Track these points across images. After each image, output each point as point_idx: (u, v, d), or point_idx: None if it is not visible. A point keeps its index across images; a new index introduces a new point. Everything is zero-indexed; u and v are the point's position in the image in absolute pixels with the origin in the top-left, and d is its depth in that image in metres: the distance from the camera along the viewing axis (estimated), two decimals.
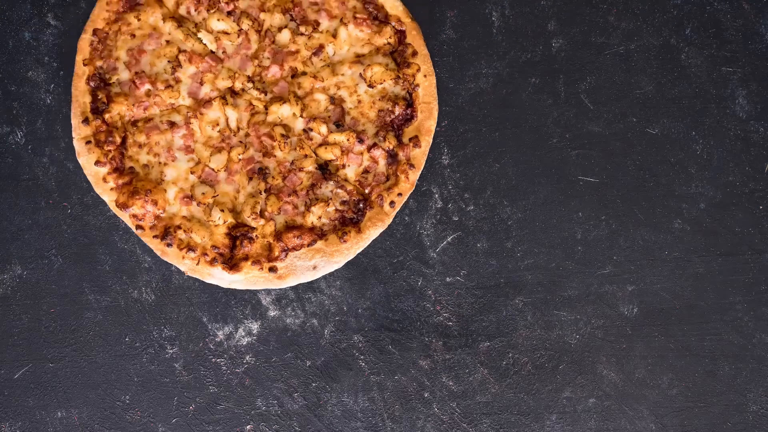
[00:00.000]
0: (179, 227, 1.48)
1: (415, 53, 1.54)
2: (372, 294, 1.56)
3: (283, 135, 1.51)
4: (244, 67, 1.55)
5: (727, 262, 1.57)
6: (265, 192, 1.51)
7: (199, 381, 1.55)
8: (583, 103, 1.60)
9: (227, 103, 1.52)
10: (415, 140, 1.53)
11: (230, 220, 1.49)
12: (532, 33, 1.61)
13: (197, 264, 1.48)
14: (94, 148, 1.49)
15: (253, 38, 1.55)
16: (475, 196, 1.58)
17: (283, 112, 1.52)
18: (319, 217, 1.50)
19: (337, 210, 1.51)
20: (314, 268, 1.48)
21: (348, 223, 1.50)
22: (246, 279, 1.48)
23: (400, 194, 1.51)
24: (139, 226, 1.48)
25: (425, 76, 1.54)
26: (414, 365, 1.55)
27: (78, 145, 1.50)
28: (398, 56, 1.55)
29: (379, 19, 1.55)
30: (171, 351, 1.55)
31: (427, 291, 1.56)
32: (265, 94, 1.53)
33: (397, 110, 1.53)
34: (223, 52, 1.55)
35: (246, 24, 1.54)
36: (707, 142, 1.59)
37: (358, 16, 1.54)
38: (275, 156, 1.52)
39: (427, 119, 1.54)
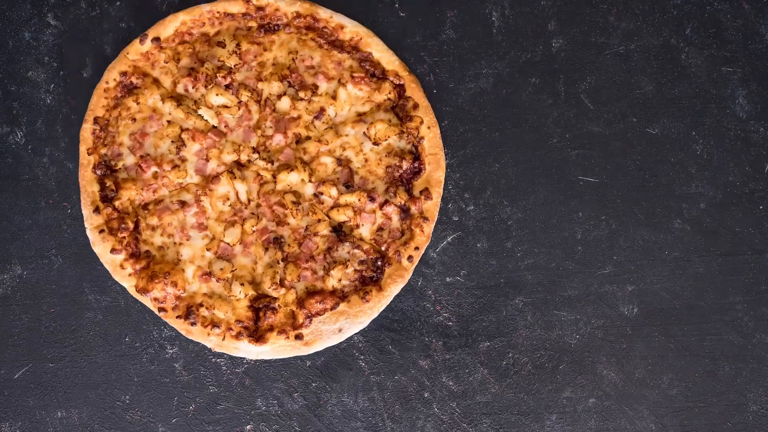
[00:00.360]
0: (201, 305, 1.48)
1: (416, 106, 1.54)
2: None
3: (294, 202, 1.51)
4: (248, 139, 1.55)
5: (727, 262, 1.57)
6: (282, 261, 1.51)
7: (199, 381, 1.55)
8: (583, 103, 1.60)
9: (235, 177, 1.52)
10: (426, 192, 1.52)
11: (251, 292, 1.49)
12: (532, 33, 1.61)
13: (223, 339, 1.48)
14: (108, 236, 1.49)
15: (253, 109, 1.55)
16: (475, 196, 1.58)
17: (292, 179, 1.52)
18: (339, 280, 1.49)
19: (356, 270, 1.50)
20: (340, 330, 1.48)
21: (368, 282, 1.50)
22: (273, 349, 1.48)
23: (417, 248, 1.51)
24: (161, 309, 1.48)
25: (429, 127, 1.54)
26: (414, 365, 1.55)
27: (92, 234, 1.50)
28: (400, 111, 1.55)
29: (377, 75, 1.55)
30: (171, 351, 1.55)
31: (427, 291, 1.56)
32: (272, 164, 1.53)
33: (405, 165, 1.53)
34: (225, 126, 1.55)
35: (245, 95, 1.54)
36: (707, 142, 1.59)
37: (355, 75, 1.54)
38: (288, 224, 1.52)
39: (435, 170, 1.54)
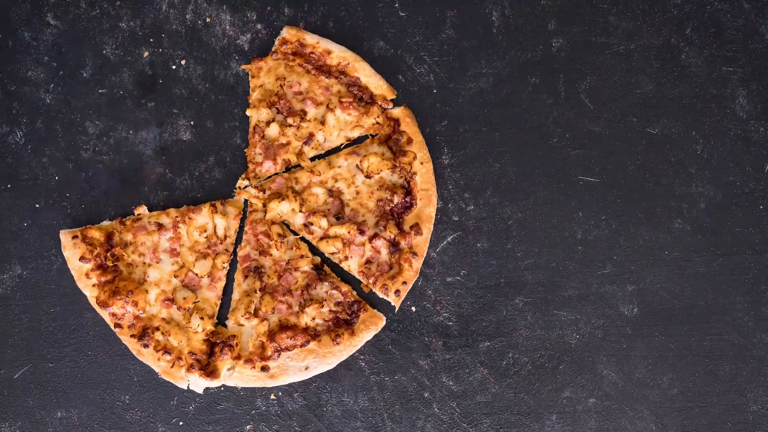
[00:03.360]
0: (157, 329, 1.47)
1: (410, 141, 1.54)
2: (372, 293, 1.56)
3: (279, 234, 1.52)
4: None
5: (727, 262, 1.56)
6: (260, 290, 1.51)
7: None
8: (583, 102, 1.59)
9: (216, 211, 1.52)
10: (416, 228, 1.52)
11: (209, 327, 1.49)
12: (532, 33, 1.61)
13: (171, 367, 1.47)
14: (80, 243, 1.49)
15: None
16: (475, 196, 1.58)
17: (283, 209, 1.52)
18: (313, 318, 1.50)
19: (331, 311, 1.50)
20: (306, 368, 1.48)
21: (342, 324, 1.50)
22: (237, 377, 1.48)
23: (404, 282, 1.51)
24: (117, 325, 1.47)
25: (422, 163, 1.54)
26: (414, 365, 1.55)
27: (64, 238, 1.50)
28: (393, 145, 1.54)
29: (365, 100, 1.55)
30: None
31: (427, 291, 1.56)
32: (264, 192, 1.53)
33: (396, 199, 1.53)
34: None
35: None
36: (707, 142, 1.59)
37: (343, 100, 1.54)
38: (271, 255, 1.52)
39: (427, 206, 1.53)
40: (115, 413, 1.54)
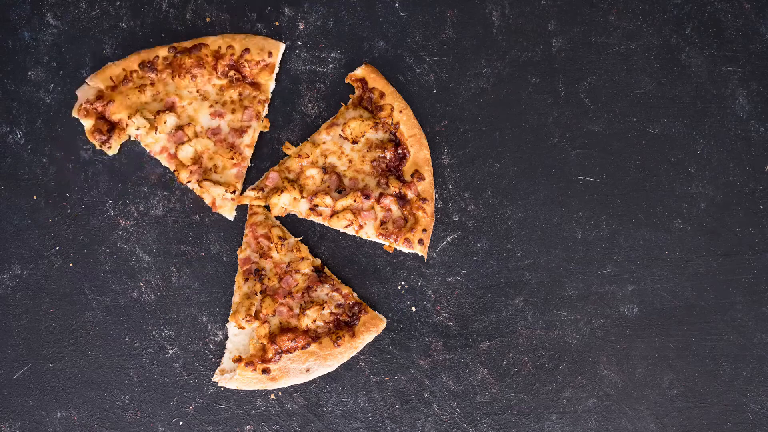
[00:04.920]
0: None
1: (382, 95, 1.54)
2: (372, 294, 1.56)
3: (279, 237, 1.52)
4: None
5: (727, 262, 1.56)
6: (261, 293, 1.51)
7: (199, 381, 1.55)
8: (583, 102, 1.59)
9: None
10: (417, 174, 1.52)
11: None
12: (532, 33, 1.61)
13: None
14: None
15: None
16: (475, 196, 1.58)
17: (284, 200, 1.52)
18: (314, 320, 1.50)
19: (332, 313, 1.51)
20: (307, 370, 1.48)
21: (342, 326, 1.50)
22: (238, 379, 1.48)
23: (425, 230, 1.51)
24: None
25: (400, 111, 1.54)
26: (414, 365, 1.55)
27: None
28: (368, 104, 1.55)
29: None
30: (171, 351, 1.55)
31: (427, 291, 1.56)
32: (262, 191, 1.53)
33: (388, 154, 1.53)
34: None
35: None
36: (707, 142, 1.59)
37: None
38: (272, 257, 1.52)
39: (420, 150, 1.53)
40: (115, 413, 1.54)
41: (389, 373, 1.55)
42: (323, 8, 1.61)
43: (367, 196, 1.51)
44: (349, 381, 1.55)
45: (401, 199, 1.52)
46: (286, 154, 1.56)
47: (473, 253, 1.57)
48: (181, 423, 1.54)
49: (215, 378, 1.50)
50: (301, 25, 1.60)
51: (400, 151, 1.53)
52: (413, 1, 1.61)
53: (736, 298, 1.56)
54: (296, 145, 1.57)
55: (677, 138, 1.59)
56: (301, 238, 1.55)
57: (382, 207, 1.52)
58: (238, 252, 1.54)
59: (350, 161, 1.54)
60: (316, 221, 1.54)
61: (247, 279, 1.52)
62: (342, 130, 1.53)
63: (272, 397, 1.54)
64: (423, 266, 1.56)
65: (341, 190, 1.53)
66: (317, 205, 1.52)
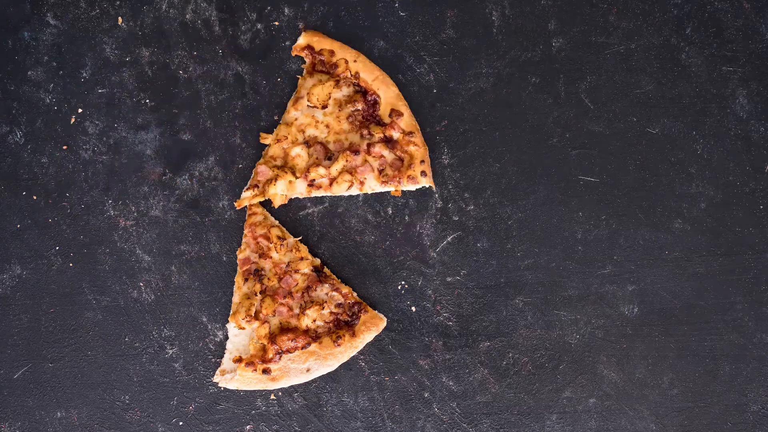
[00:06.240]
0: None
1: (332, 53, 1.55)
2: (372, 293, 1.56)
3: (279, 237, 1.52)
4: None
5: (727, 262, 1.56)
6: (260, 293, 1.51)
7: (199, 381, 1.55)
8: (583, 102, 1.59)
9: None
10: (395, 112, 1.53)
11: None
12: (533, 32, 1.61)
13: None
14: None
15: None
16: (475, 196, 1.58)
17: (280, 188, 1.52)
18: (314, 320, 1.50)
19: (332, 313, 1.51)
20: (308, 370, 1.49)
21: (342, 326, 1.51)
22: (239, 379, 1.48)
23: (422, 161, 1.52)
24: None
25: (355, 60, 1.55)
26: (414, 365, 1.55)
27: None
28: (321, 66, 1.55)
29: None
30: (171, 351, 1.55)
31: (427, 291, 1.56)
32: (257, 187, 1.53)
33: (360, 105, 1.54)
34: None
35: None
36: (707, 142, 1.58)
37: None
38: (271, 257, 1.52)
39: (388, 89, 1.55)
40: (115, 413, 1.54)
41: (389, 373, 1.55)
42: (323, 8, 1.60)
43: (356, 152, 1.52)
44: (349, 381, 1.55)
45: (389, 141, 1.53)
46: (266, 145, 1.56)
47: (473, 253, 1.57)
48: (181, 423, 1.54)
49: (216, 379, 1.50)
50: (301, 25, 1.60)
51: (369, 97, 1.54)
52: (413, 1, 1.61)
53: (736, 298, 1.56)
54: (271, 132, 1.57)
55: (677, 138, 1.59)
56: (300, 238, 1.55)
57: (374, 156, 1.52)
58: (237, 252, 1.54)
59: (327, 126, 1.54)
60: (320, 195, 1.54)
61: (246, 279, 1.52)
62: (308, 100, 1.54)
63: (272, 397, 1.54)
64: (423, 266, 1.56)
65: (330, 157, 1.53)
66: (314, 180, 1.52)
